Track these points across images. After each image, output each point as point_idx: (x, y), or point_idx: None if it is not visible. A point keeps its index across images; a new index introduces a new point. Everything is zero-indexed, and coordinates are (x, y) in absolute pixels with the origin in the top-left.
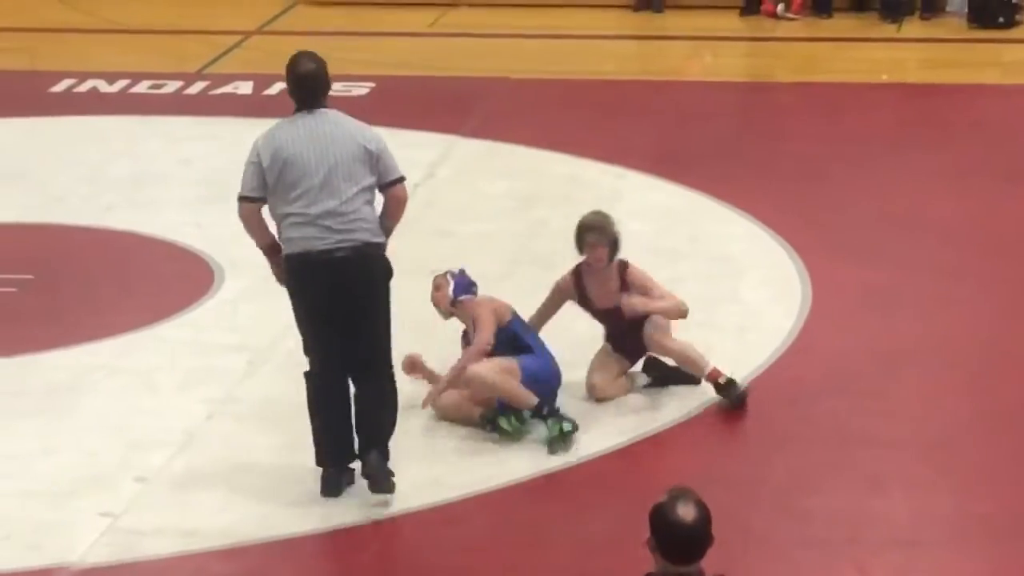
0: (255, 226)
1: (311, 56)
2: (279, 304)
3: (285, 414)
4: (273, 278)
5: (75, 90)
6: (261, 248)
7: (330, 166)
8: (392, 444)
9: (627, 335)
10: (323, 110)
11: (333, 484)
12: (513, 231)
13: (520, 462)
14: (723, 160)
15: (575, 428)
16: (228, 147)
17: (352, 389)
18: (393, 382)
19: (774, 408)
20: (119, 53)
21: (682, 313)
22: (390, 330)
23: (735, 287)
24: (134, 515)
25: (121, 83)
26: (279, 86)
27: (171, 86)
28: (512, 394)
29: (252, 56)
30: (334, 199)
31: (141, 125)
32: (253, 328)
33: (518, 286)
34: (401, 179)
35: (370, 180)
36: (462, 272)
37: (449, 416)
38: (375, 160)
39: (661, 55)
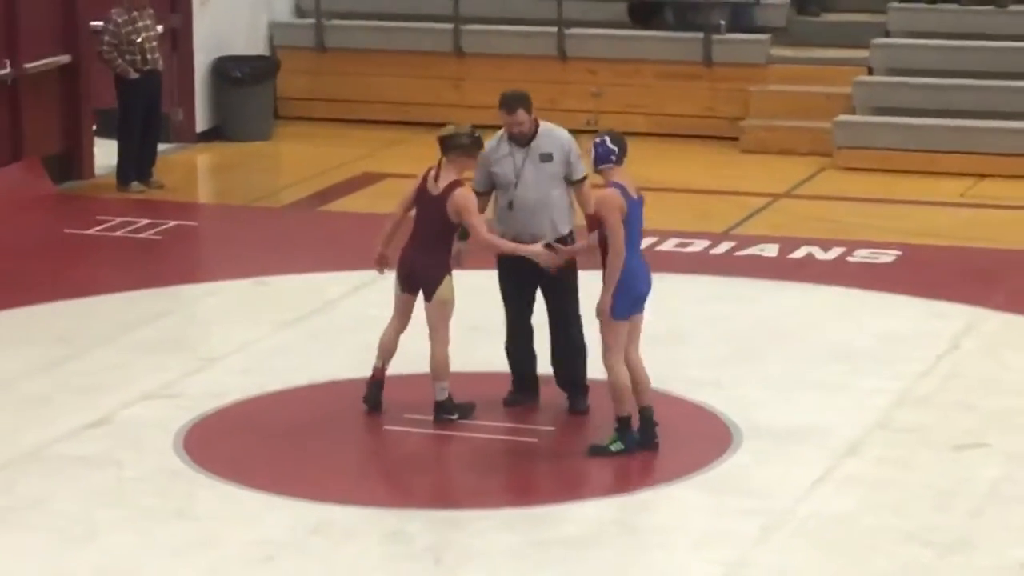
0: None
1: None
2: (798, 471)
3: None
4: None
5: None
6: None
7: None
8: None
9: None
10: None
11: None
12: None
13: None
14: None
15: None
16: (751, 308)
17: None
18: None
19: None
20: (649, 210)
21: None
22: None
23: None
24: None
25: (648, 240)
26: (805, 249)
27: (697, 245)
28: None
29: (779, 219)
30: None
31: (663, 282)
32: (769, 493)
33: None
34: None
35: None
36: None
37: None
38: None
39: None
